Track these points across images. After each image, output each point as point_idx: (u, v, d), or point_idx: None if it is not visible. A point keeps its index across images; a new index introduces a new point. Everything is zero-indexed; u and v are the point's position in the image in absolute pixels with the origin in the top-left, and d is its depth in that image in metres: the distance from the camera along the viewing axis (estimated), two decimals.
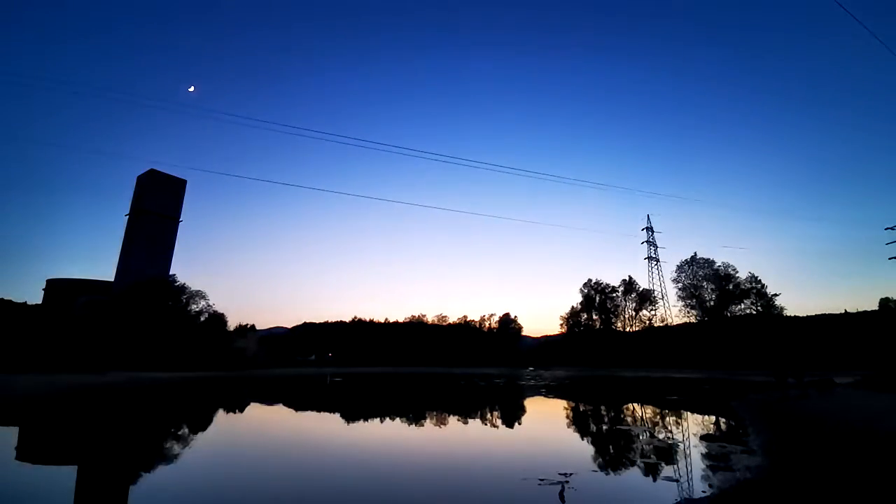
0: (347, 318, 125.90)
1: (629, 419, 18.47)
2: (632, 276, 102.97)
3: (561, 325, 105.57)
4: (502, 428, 15.99)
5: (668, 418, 18.96)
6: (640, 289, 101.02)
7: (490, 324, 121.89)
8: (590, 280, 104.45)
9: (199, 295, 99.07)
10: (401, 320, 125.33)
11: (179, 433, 14.34)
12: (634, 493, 7.89)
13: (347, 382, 41.31)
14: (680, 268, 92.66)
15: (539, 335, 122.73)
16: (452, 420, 17.54)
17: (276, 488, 7.77)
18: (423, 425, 16.18)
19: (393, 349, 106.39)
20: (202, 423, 16.64)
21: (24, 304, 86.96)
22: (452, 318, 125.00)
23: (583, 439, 14.28)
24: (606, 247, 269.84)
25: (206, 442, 13.01)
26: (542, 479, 8.08)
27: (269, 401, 25.54)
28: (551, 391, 33.66)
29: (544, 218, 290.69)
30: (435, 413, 19.82)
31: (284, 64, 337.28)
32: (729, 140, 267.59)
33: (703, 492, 7.57)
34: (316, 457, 10.85)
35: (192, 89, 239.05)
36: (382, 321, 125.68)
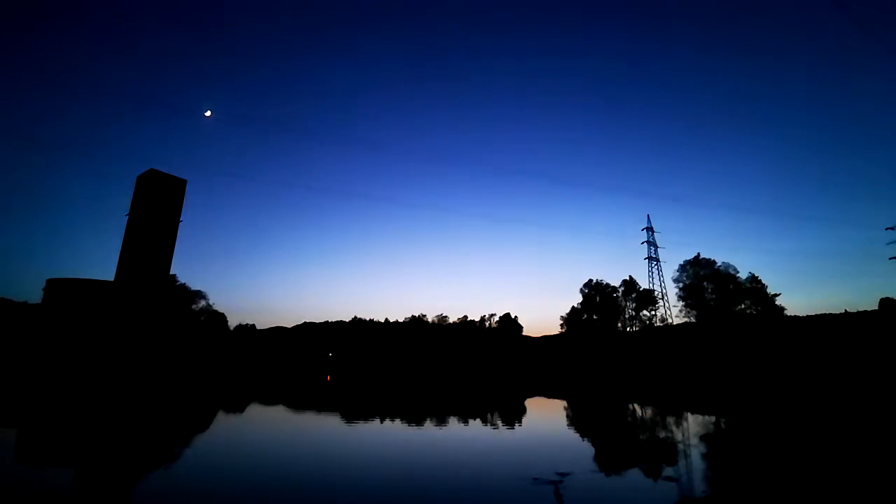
0: (347, 318, 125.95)
1: (628, 419, 18.40)
2: (632, 275, 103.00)
3: (561, 325, 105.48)
4: (498, 427, 15.92)
5: (667, 418, 18.88)
6: (641, 289, 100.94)
7: (490, 324, 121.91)
8: (590, 280, 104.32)
9: (199, 295, 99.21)
10: (401, 320, 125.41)
11: (179, 433, 14.29)
12: (633, 493, 7.82)
13: (347, 383, 41.27)
14: (681, 268, 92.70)
15: (539, 335, 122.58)
16: (448, 419, 17.47)
17: (275, 487, 7.74)
18: (419, 425, 16.12)
19: (393, 349, 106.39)
20: (202, 424, 16.58)
21: (24, 303, 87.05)
22: (453, 318, 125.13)
23: (581, 439, 14.20)
24: (607, 247, 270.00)
25: (207, 442, 12.96)
26: (536, 479, 8.02)
27: (269, 401, 25.49)
28: (550, 391, 33.60)
29: (545, 218, 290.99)
30: (431, 413, 19.76)
31: (283, 65, 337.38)
32: (730, 140, 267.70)
33: (704, 491, 7.51)
34: (315, 455, 10.80)
35: (208, 114, 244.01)
36: (382, 321, 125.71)
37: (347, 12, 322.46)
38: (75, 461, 10.19)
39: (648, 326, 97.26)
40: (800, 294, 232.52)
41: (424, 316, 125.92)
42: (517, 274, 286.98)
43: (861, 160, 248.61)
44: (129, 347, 68.12)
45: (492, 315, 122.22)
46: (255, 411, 21.17)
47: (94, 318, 76.48)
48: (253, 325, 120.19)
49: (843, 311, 78.55)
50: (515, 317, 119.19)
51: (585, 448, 12.57)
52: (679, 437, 13.91)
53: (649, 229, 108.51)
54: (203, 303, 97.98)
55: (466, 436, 14.12)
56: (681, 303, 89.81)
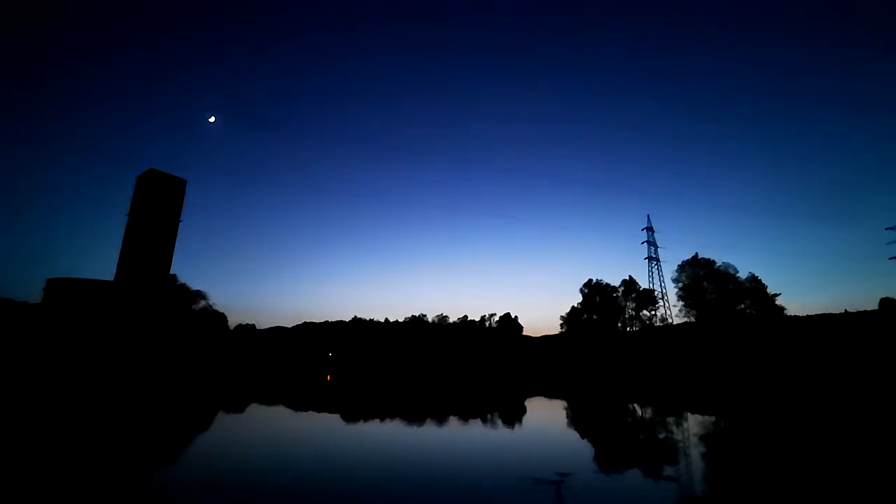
0: (347, 318, 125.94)
1: (628, 419, 18.40)
2: (632, 275, 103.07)
3: (561, 325, 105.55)
4: (498, 428, 15.93)
5: (667, 418, 18.88)
6: (641, 289, 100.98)
7: (490, 324, 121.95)
8: (590, 280, 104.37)
9: (199, 295, 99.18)
10: (401, 320, 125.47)
11: (180, 433, 14.29)
12: (633, 493, 7.83)
13: (347, 383, 41.27)
14: (680, 268, 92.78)
15: (539, 335, 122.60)
16: (448, 419, 17.47)
17: (275, 487, 7.74)
18: (419, 425, 16.13)
19: (393, 349, 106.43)
20: (202, 423, 16.59)
21: (24, 303, 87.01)
22: (453, 317, 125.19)
23: (581, 439, 14.21)
24: (607, 247, 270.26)
25: (207, 442, 12.96)
26: (537, 479, 8.02)
27: (269, 401, 25.50)
28: (550, 391, 33.60)
29: (545, 217, 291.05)
30: (431, 413, 19.76)
31: (283, 65, 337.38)
32: (729, 140, 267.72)
33: (704, 491, 7.52)
34: (314, 455, 10.81)
35: (212, 119, 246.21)
36: (382, 321, 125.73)
37: (346, 12, 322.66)
38: (75, 461, 10.19)
39: (648, 326, 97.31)
40: (800, 294, 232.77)
41: (424, 316, 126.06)
42: (517, 274, 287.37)
43: (861, 160, 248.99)
44: (130, 347, 68.13)
45: (492, 315, 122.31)
46: (255, 411, 21.18)
47: (94, 318, 76.49)
48: (253, 325, 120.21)
49: (843, 311, 78.60)
50: (515, 317, 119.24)
51: (586, 448, 12.57)
52: (679, 437, 13.91)
53: (649, 229, 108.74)
54: (203, 303, 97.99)
55: (466, 435, 14.13)
56: (681, 303, 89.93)
